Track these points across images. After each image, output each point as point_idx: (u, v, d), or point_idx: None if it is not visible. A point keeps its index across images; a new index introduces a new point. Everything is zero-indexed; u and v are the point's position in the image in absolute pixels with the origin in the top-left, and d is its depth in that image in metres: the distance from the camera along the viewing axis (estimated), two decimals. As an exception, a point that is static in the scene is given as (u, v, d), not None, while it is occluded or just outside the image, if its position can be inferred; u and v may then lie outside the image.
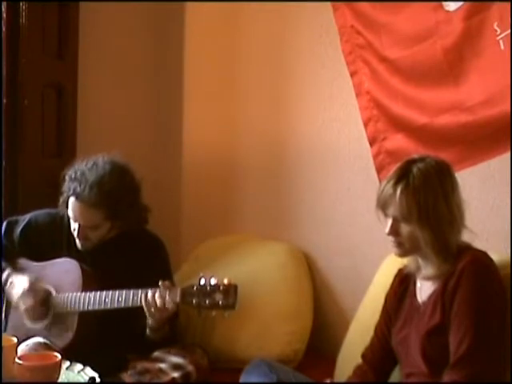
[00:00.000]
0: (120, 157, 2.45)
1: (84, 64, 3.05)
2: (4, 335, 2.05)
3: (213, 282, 2.14)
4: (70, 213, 2.39)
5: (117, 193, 2.36)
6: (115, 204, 2.36)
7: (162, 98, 3.32)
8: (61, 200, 2.44)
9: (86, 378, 1.97)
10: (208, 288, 2.14)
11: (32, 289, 2.35)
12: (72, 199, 2.37)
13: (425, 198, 1.83)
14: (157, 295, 2.19)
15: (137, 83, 3.28)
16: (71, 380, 1.97)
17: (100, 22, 3.14)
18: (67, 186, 2.40)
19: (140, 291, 2.23)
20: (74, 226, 2.41)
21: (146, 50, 3.31)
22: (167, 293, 2.19)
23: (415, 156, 1.93)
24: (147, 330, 2.32)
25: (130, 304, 2.23)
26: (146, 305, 2.20)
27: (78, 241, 2.43)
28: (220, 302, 2.11)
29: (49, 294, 2.37)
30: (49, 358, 1.91)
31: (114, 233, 2.47)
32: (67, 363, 2.03)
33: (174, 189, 3.30)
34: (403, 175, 1.87)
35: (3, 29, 2.77)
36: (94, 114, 3.13)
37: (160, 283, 2.21)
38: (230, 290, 2.12)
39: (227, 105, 3.22)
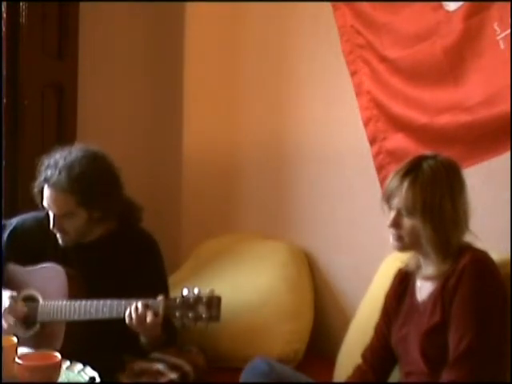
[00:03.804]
0: (99, 147, 2.38)
1: (84, 64, 3.04)
2: (4, 335, 2.04)
3: (196, 293, 2.07)
4: (45, 202, 2.32)
5: (88, 177, 2.28)
6: (87, 189, 2.28)
7: (162, 98, 3.32)
8: (36, 190, 2.36)
9: (86, 378, 1.96)
10: (191, 300, 2.06)
11: (13, 307, 2.25)
12: (45, 187, 2.32)
13: (431, 194, 1.83)
14: (139, 307, 2.11)
15: (137, 83, 3.28)
16: (71, 380, 1.96)
17: (100, 22, 3.13)
18: (41, 174, 2.34)
19: (123, 302, 2.15)
20: (51, 218, 2.33)
21: (146, 50, 3.31)
22: (149, 305, 2.12)
23: (426, 153, 1.93)
24: (141, 341, 2.25)
25: (114, 315, 2.16)
26: (127, 318, 2.13)
27: (58, 235, 2.36)
28: (203, 315, 2.04)
29: (36, 301, 2.31)
30: (49, 358, 1.90)
31: (100, 230, 2.39)
32: (67, 363, 2.02)
33: (174, 188, 3.30)
34: (412, 169, 1.87)
35: (3, 29, 2.76)
36: (93, 114, 3.12)
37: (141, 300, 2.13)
38: (214, 302, 2.05)
39: (227, 104, 3.22)
